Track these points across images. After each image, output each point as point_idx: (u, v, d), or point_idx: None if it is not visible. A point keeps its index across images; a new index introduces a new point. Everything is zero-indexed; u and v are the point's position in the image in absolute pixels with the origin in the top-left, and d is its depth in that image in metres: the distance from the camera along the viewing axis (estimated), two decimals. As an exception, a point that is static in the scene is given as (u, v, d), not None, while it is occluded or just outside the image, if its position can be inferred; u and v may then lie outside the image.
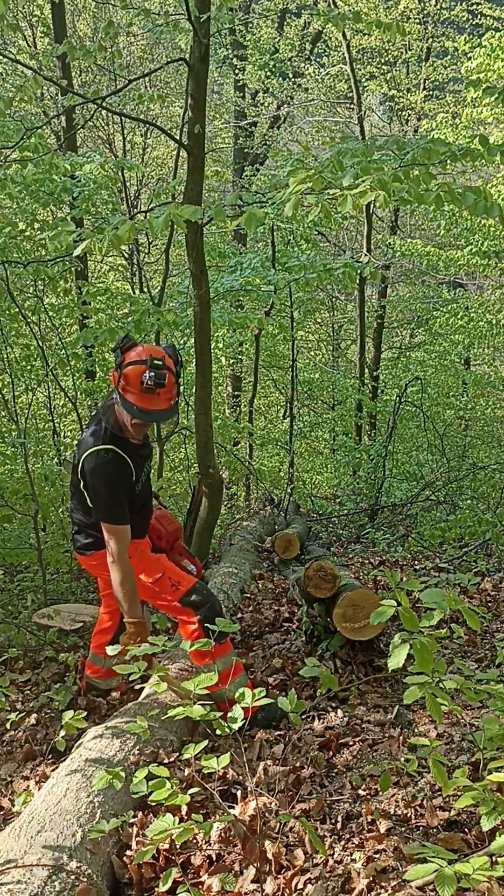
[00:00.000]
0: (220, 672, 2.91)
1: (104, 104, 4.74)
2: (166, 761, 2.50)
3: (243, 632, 4.16)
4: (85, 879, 1.91)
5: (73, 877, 1.89)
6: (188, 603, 3.03)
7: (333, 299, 15.13)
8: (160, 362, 2.89)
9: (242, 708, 2.18)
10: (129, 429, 2.99)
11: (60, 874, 1.89)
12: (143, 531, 3.24)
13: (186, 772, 2.39)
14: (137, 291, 10.57)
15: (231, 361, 11.53)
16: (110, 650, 2.58)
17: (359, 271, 6.45)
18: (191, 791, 2.17)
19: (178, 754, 2.61)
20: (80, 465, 3.01)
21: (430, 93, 14.22)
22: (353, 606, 3.38)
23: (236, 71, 13.78)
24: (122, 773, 2.12)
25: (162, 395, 2.90)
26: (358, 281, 10.43)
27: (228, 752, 2.14)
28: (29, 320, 5.84)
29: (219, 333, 8.56)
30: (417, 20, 13.49)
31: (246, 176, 13.54)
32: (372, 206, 8.95)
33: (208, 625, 2.70)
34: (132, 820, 2.17)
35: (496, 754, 2.17)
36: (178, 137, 5.05)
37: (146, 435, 3.17)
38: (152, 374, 2.84)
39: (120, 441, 2.98)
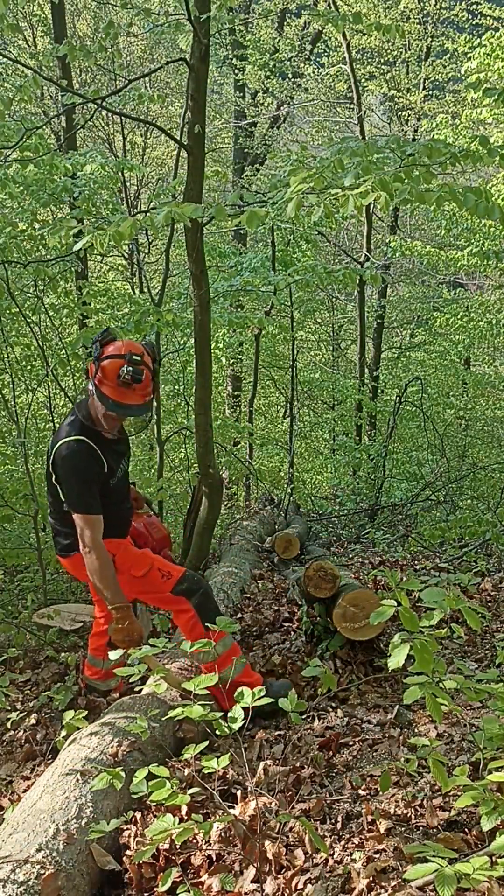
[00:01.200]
0: (220, 655, 2.93)
1: (104, 104, 4.74)
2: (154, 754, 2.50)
3: (243, 632, 4.16)
4: (52, 868, 1.90)
5: (38, 867, 1.88)
6: (180, 591, 3.04)
7: (333, 299, 15.13)
8: (139, 358, 2.93)
9: (243, 708, 2.18)
10: (101, 421, 3.02)
11: (25, 866, 1.88)
12: (123, 530, 3.23)
13: (186, 772, 2.39)
14: (137, 291, 10.57)
15: (231, 361, 11.53)
16: (113, 654, 2.57)
17: (359, 275, 6.45)
18: (191, 791, 2.17)
19: (169, 749, 2.61)
20: (52, 458, 3.03)
21: (430, 93, 14.23)
22: (353, 606, 3.38)
23: (236, 71, 13.78)
24: (100, 768, 2.11)
25: (137, 391, 2.94)
26: (358, 281, 10.44)
27: (228, 752, 2.14)
28: (29, 320, 5.84)
29: (219, 333, 8.56)
30: (417, 20, 13.50)
31: (246, 176, 13.55)
32: (372, 206, 8.95)
33: (208, 624, 2.70)
34: (117, 824, 2.17)
35: (496, 754, 2.17)
36: (178, 137, 5.05)
37: (122, 430, 3.20)
38: (130, 368, 2.89)
39: (91, 433, 3.01)
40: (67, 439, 2.98)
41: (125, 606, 2.95)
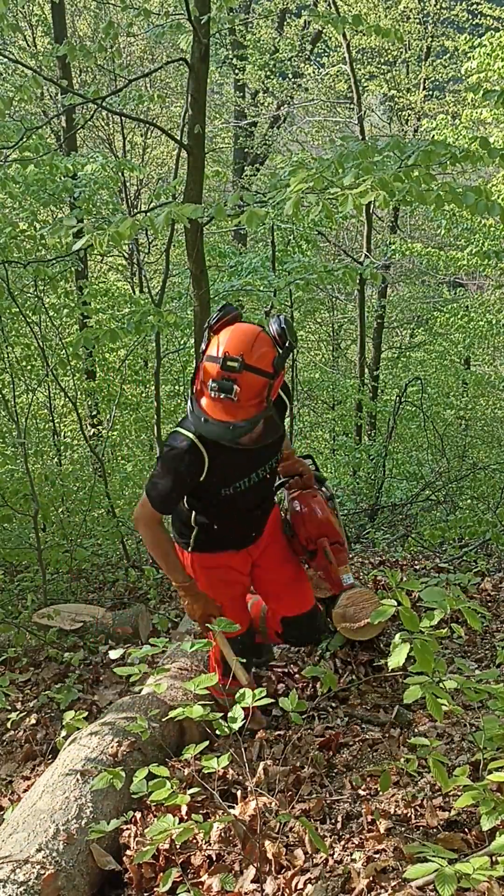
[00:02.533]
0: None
1: (104, 104, 4.74)
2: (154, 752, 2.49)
3: (243, 632, 4.16)
4: (52, 868, 1.90)
5: (38, 867, 1.88)
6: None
7: (333, 299, 15.12)
8: (235, 364, 2.21)
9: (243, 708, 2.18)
10: None
11: (25, 866, 1.88)
12: (241, 542, 2.77)
13: (186, 772, 2.39)
14: (137, 291, 10.57)
15: (231, 361, 11.51)
16: (113, 654, 2.56)
17: (359, 273, 6.46)
18: (191, 791, 2.17)
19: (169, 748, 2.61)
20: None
21: (430, 93, 14.23)
22: (353, 606, 3.38)
23: (236, 71, 13.79)
24: (100, 768, 2.11)
25: (241, 402, 2.24)
26: (358, 281, 10.44)
27: (228, 752, 2.14)
28: (29, 320, 5.84)
29: (219, 334, 8.53)
30: (417, 20, 13.50)
31: (246, 176, 13.55)
32: (372, 206, 8.96)
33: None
34: (117, 824, 2.17)
35: (496, 754, 2.17)
36: (178, 137, 5.04)
37: (272, 428, 2.47)
38: (214, 384, 2.22)
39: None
40: (180, 431, 2.44)
41: (187, 584, 2.67)
